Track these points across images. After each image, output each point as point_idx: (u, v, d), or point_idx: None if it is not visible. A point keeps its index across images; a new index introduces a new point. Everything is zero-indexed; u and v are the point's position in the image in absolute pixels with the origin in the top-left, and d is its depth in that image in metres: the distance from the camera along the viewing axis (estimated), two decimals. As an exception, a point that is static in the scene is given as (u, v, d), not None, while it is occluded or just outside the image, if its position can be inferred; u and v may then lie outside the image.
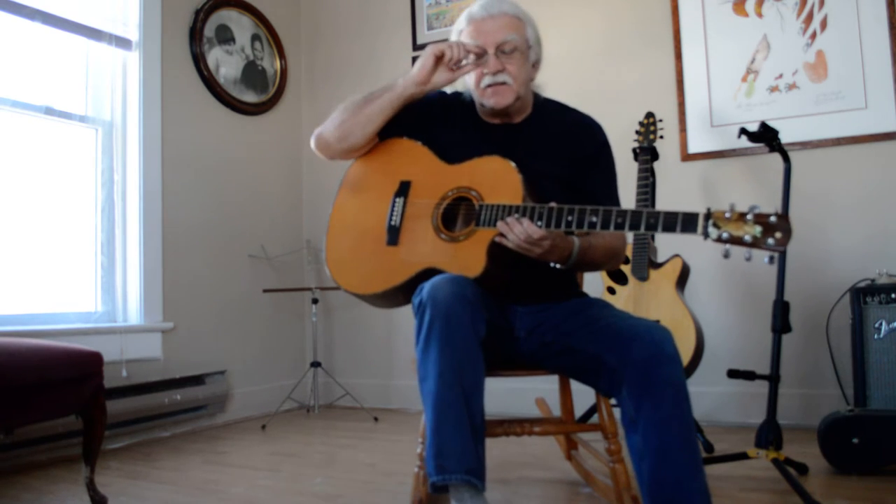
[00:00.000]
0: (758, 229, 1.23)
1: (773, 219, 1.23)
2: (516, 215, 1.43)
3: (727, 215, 1.26)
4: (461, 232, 1.56)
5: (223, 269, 3.34)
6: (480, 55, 1.62)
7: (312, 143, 1.80)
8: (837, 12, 2.74)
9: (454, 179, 1.62)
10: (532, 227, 1.40)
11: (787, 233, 1.21)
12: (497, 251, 1.48)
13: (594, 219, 1.38)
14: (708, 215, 1.28)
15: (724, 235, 1.26)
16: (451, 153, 1.66)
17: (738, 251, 1.27)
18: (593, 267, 1.65)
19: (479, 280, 1.47)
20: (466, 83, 1.72)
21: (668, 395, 1.33)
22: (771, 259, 1.23)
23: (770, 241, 1.23)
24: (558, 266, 1.53)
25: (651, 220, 1.34)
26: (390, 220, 1.65)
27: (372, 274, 1.64)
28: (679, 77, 3.00)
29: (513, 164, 1.54)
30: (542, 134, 1.71)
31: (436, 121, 1.74)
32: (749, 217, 1.24)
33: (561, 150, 1.68)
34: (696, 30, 2.99)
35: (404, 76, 1.67)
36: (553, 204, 1.42)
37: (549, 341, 1.59)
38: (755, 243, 1.24)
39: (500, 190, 1.53)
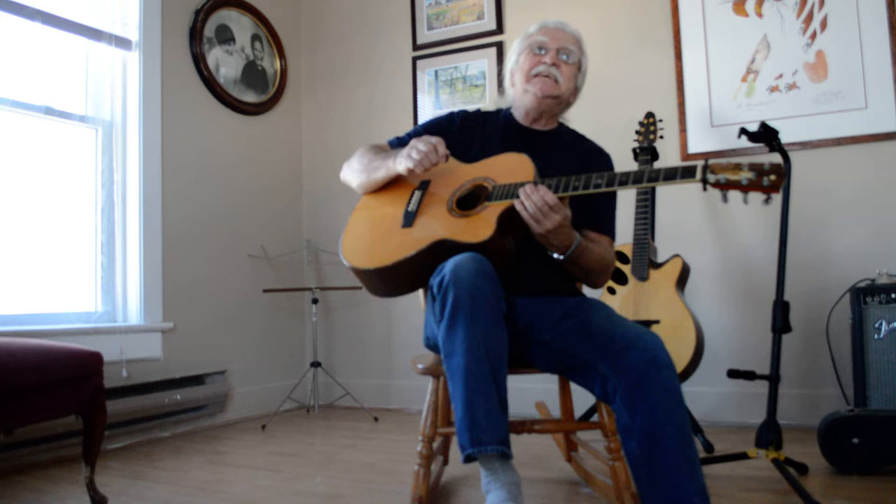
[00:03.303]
0: (753, 173, 1.33)
1: (766, 165, 1.32)
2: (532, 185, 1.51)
3: (723, 164, 1.36)
4: (474, 209, 1.59)
5: (223, 269, 3.34)
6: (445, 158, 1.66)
7: (342, 177, 1.93)
8: (837, 12, 2.74)
9: (471, 173, 1.69)
10: (548, 193, 1.48)
11: (781, 175, 1.31)
12: (506, 219, 1.53)
13: (599, 181, 1.48)
14: (706, 165, 1.36)
15: (722, 179, 1.35)
16: (473, 160, 1.74)
17: (735, 196, 1.36)
18: (584, 270, 1.68)
19: (487, 245, 1.50)
20: (513, 80, 1.82)
21: (661, 400, 1.34)
22: (767, 199, 1.33)
23: (765, 181, 1.31)
24: (556, 256, 1.59)
25: (652, 175, 1.42)
26: (407, 207, 1.70)
27: (385, 250, 1.64)
28: (679, 77, 3.00)
29: (527, 156, 1.61)
30: (559, 149, 1.81)
31: (458, 143, 1.79)
32: (744, 165, 1.34)
33: (574, 167, 1.73)
34: (696, 30, 2.99)
35: (402, 150, 1.70)
36: (560, 176, 1.52)
37: (546, 339, 1.60)
38: (751, 185, 1.33)
39: (514, 175, 1.59)
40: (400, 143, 1.88)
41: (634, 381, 1.37)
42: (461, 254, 1.47)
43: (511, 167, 1.62)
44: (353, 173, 1.85)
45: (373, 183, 1.81)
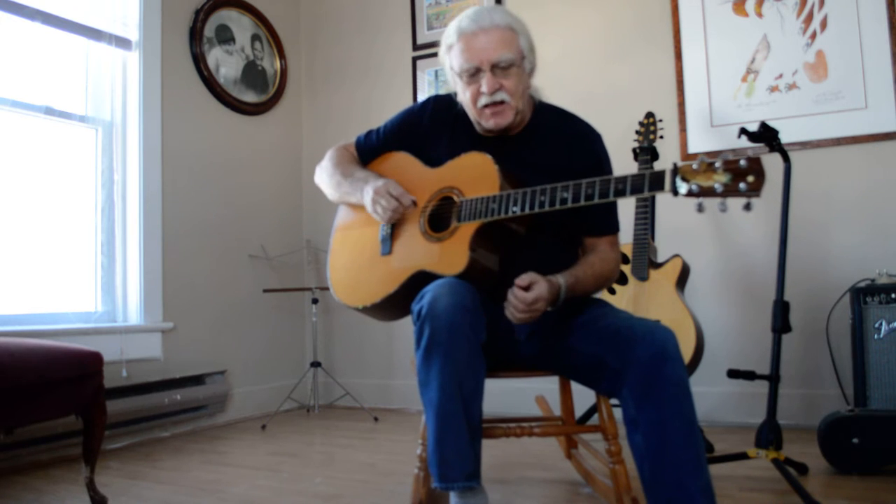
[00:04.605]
0: (728, 176, 1.20)
1: (742, 163, 1.19)
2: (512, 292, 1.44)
3: (695, 167, 1.24)
4: (446, 231, 1.58)
5: (223, 269, 3.34)
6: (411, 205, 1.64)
7: (315, 181, 1.94)
8: (837, 12, 2.74)
9: (438, 181, 1.66)
10: (521, 293, 1.42)
11: (760, 175, 1.17)
12: (479, 242, 1.51)
13: (565, 194, 1.41)
14: (675, 171, 1.26)
15: (694, 188, 1.23)
16: (438, 159, 1.68)
17: (712, 203, 1.23)
18: (583, 294, 1.62)
19: (465, 275, 1.48)
20: (460, 99, 1.67)
21: (668, 394, 1.33)
22: (747, 206, 1.18)
23: (742, 185, 1.18)
24: (549, 309, 1.50)
25: (619, 185, 1.35)
26: (382, 230, 1.70)
27: (369, 286, 1.68)
28: (679, 77, 3.00)
29: (489, 157, 1.55)
30: (538, 148, 1.66)
31: (426, 140, 1.74)
32: (718, 165, 1.21)
33: (556, 165, 1.60)
34: (696, 30, 2.99)
35: (367, 188, 1.69)
36: (526, 189, 1.46)
37: (550, 343, 1.59)
38: (727, 191, 1.20)
39: (479, 184, 1.55)
40: (367, 142, 1.84)
41: (642, 373, 1.35)
42: (441, 281, 1.45)
43: (475, 172, 1.56)
44: (326, 187, 1.87)
45: (345, 203, 1.86)
